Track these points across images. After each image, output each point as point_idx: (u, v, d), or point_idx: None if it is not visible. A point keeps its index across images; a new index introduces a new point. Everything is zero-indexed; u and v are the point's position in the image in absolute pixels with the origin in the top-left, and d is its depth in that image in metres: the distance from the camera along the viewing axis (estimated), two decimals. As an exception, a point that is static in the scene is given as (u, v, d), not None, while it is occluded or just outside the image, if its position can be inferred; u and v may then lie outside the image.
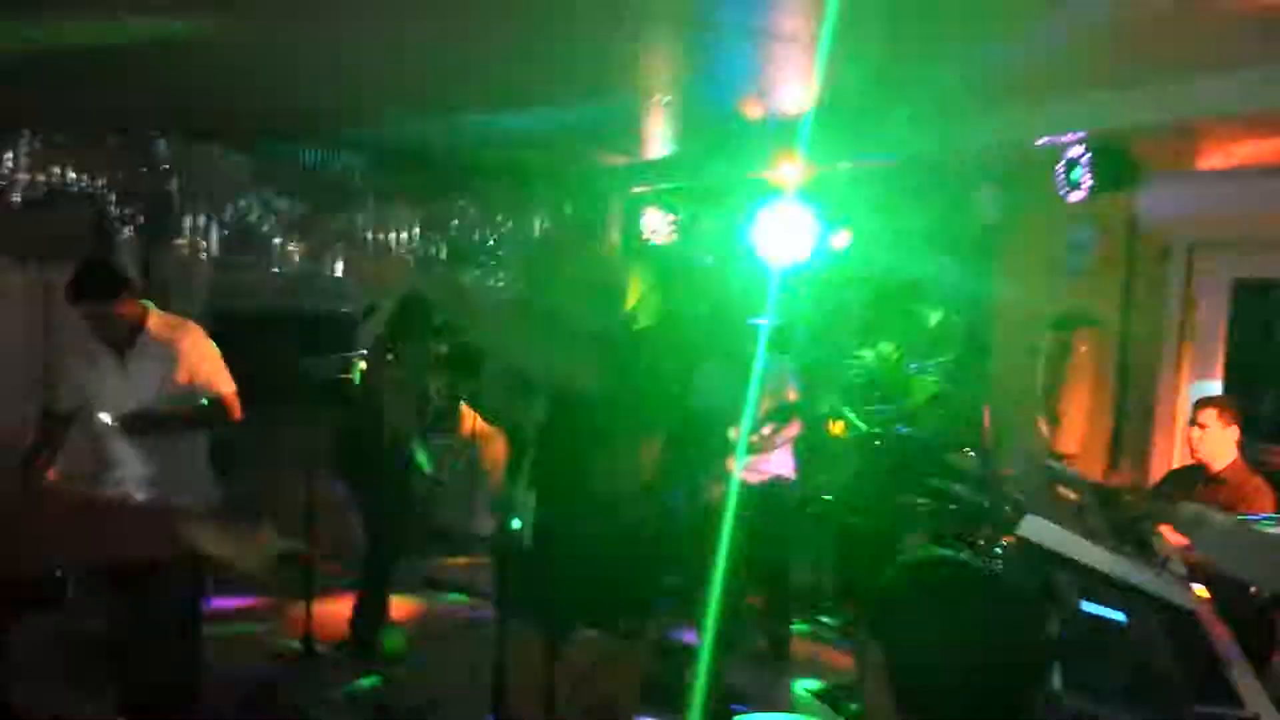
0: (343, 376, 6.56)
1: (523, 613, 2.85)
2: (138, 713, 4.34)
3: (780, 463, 5.67)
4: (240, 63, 4.80)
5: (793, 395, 5.70)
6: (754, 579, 5.92)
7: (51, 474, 4.32)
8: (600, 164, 7.31)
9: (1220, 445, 4.46)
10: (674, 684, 3.41)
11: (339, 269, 7.41)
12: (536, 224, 7.96)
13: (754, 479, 5.57)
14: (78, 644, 4.97)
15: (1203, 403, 4.60)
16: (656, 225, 8.13)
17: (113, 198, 6.76)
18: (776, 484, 5.63)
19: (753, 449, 5.54)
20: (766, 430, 5.52)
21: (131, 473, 4.22)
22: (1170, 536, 3.19)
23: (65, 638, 4.97)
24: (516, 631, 2.96)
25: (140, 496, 4.19)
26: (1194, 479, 4.52)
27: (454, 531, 6.87)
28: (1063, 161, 4.95)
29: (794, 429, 5.64)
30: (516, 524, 2.90)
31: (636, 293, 8.73)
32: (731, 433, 5.44)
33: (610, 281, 4.72)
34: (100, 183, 6.71)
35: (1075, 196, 4.97)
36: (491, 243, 7.85)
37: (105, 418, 4.10)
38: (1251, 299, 5.15)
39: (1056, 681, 2.58)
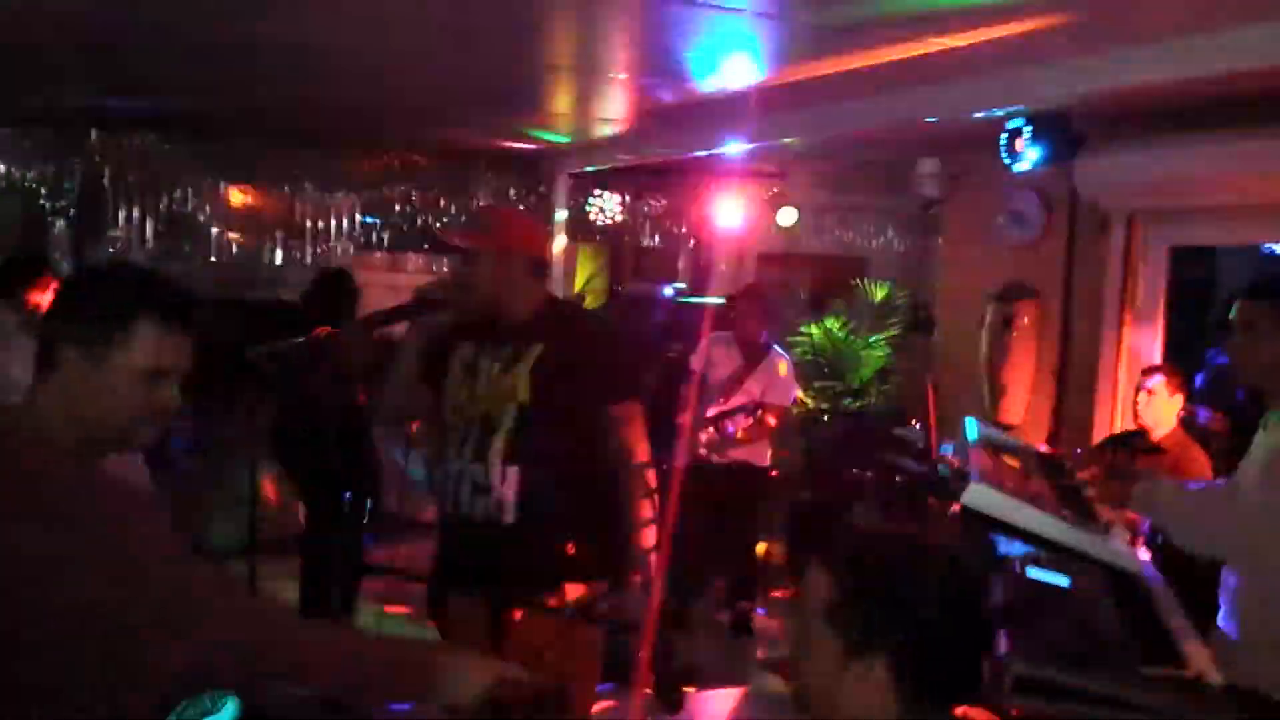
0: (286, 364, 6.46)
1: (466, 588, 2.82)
2: None
3: (750, 450, 5.64)
4: (174, 49, 4.70)
5: (782, 399, 5.66)
6: (717, 558, 5.95)
7: None
8: (546, 144, 7.25)
9: (1164, 412, 4.52)
10: (629, 661, 3.40)
11: (278, 257, 7.30)
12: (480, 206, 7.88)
13: (719, 460, 5.57)
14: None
15: (1152, 369, 4.66)
16: (604, 205, 8.09)
17: (44, 191, 6.61)
18: (744, 467, 5.62)
19: (725, 438, 5.54)
20: (751, 433, 5.52)
21: None
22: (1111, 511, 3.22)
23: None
24: (460, 610, 2.92)
25: None
26: (1133, 445, 4.57)
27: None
28: (1004, 134, 4.97)
29: (771, 423, 5.62)
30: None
31: (584, 274, 8.72)
32: (710, 411, 5.46)
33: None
34: (30, 175, 6.56)
35: (1019, 168, 4.99)
36: (437, 227, 7.76)
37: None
38: (1189, 266, 5.22)
39: (1002, 647, 2.59)
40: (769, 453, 5.83)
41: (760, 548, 6.33)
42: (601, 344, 3.03)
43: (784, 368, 5.71)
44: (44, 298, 4.08)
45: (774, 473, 5.96)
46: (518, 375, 2.86)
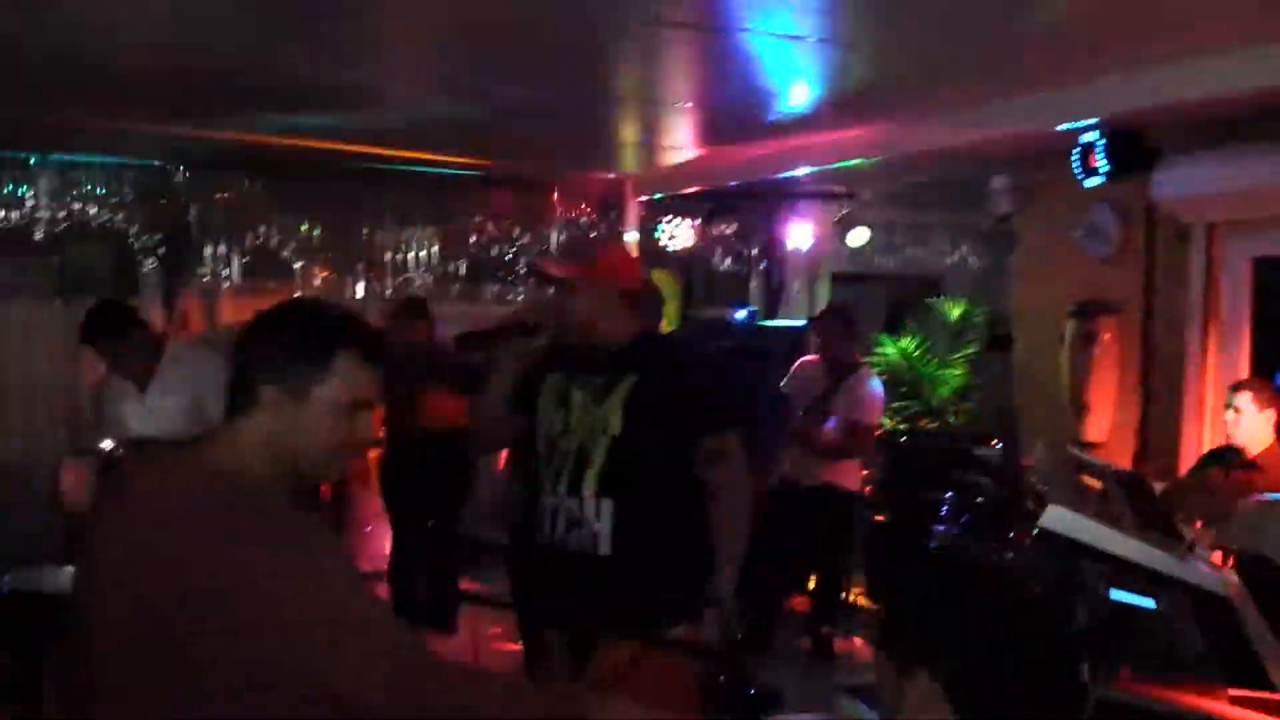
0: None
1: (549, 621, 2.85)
2: None
3: (839, 471, 5.61)
4: (254, 89, 4.86)
5: (871, 417, 5.64)
6: (799, 581, 5.91)
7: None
8: (618, 171, 7.32)
9: (1256, 428, 4.40)
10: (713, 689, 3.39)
11: (359, 290, 7.46)
12: (554, 236, 7.97)
13: (807, 481, 5.54)
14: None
15: (1238, 386, 4.54)
16: (675, 231, 8.12)
17: (132, 230, 6.84)
18: (831, 489, 5.58)
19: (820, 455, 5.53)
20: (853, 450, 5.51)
21: None
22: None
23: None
24: (553, 642, 2.96)
25: None
26: (1229, 461, 4.46)
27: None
28: (1078, 148, 4.92)
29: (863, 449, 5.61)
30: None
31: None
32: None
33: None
34: (120, 216, 6.79)
35: (1092, 182, 4.93)
36: (509, 258, 7.87)
37: (107, 445, 4.18)
38: (1274, 277, 5.09)
39: (1085, 671, 2.55)
40: (858, 474, 5.78)
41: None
42: (698, 375, 3.01)
43: (872, 385, 5.67)
44: (124, 343, 4.23)
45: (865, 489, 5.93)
46: (611, 407, 2.85)
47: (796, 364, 5.84)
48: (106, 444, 4.20)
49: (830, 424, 5.48)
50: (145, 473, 1.79)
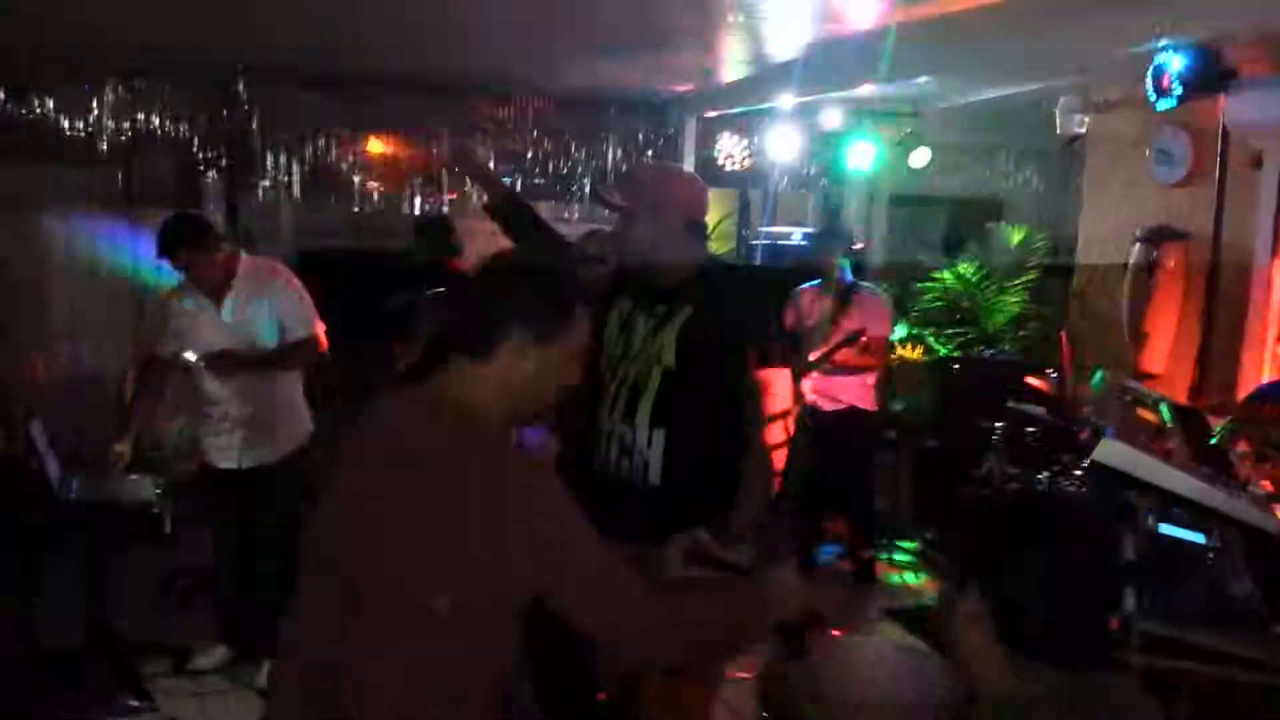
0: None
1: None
2: (235, 637, 4.56)
3: (859, 395, 5.63)
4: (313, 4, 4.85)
5: (882, 330, 5.62)
6: (834, 504, 5.97)
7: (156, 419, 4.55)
8: (675, 87, 7.22)
9: (1314, 361, 4.34)
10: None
11: (415, 206, 7.49)
12: (610, 153, 7.92)
13: (829, 406, 5.58)
14: (179, 572, 5.21)
15: None
16: (731, 150, 8.03)
17: (195, 141, 6.91)
18: (854, 412, 5.61)
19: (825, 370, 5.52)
20: (865, 360, 5.50)
21: (229, 411, 4.43)
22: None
23: (167, 567, 5.21)
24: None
25: (239, 434, 4.39)
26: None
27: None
28: (1151, 68, 4.77)
29: (875, 363, 5.60)
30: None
31: (714, 219, 8.69)
32: (811, 355, 5.43)
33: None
34: (183, 127, 6.86)
35: (1164, 104, 4.79)
36: (566, 173, 7.85)
37: (190, 357, 4.28)
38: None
39: (1131, 604, 2.56)
40: (876, 395, 5.79)
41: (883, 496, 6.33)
42: (749, 310, 3.02)
43: (876, 299, 5.67)
44: (203, 256, 4.29)
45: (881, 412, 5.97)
46: (666, 338, 2.88)
47: (798, 291, 5.78)
48: (190, 356, 4.30)
49: (837, 341, 5.46)
50: (395, 411, 1.91)
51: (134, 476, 4.33)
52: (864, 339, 5.34)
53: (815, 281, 5.75)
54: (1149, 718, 1.58)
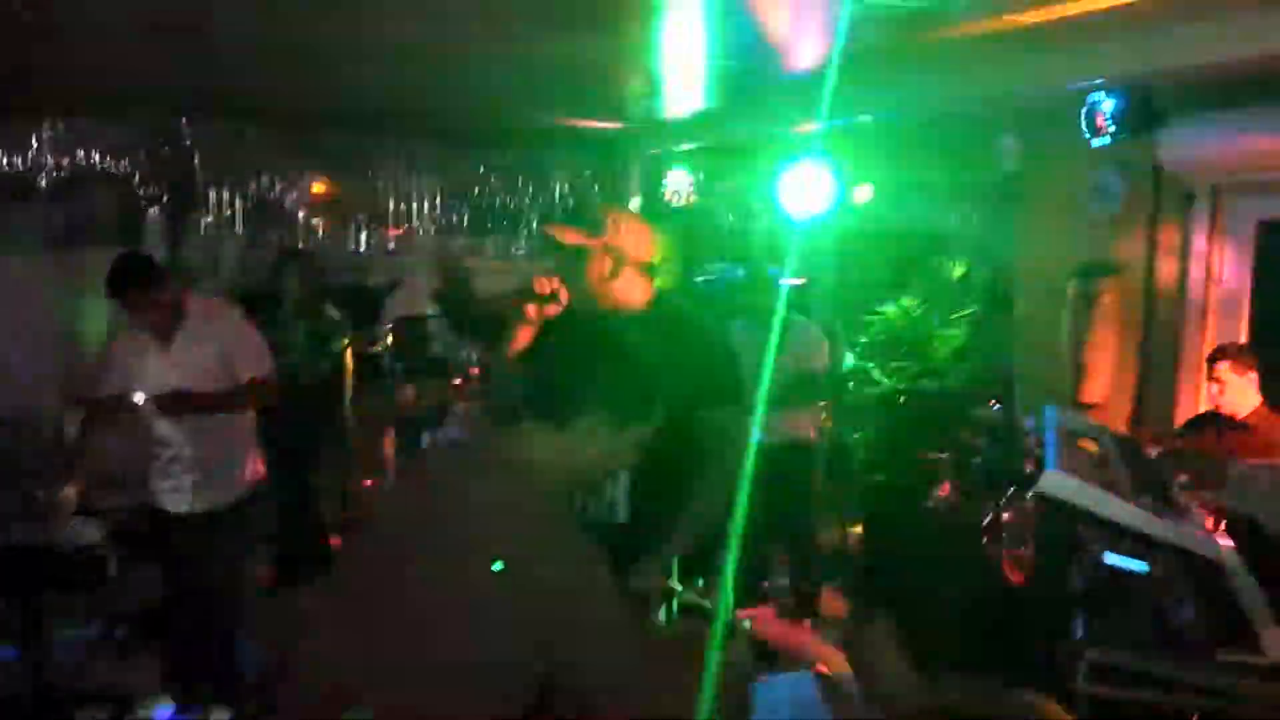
0: (371, 349, 6.64)
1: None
2: (181, 684, 4.47)
3: (801, 424, 5.68)
4: (258, 42, 4.83)
5: (819, 362, 5.68)
6: (778, 537, 5.98)
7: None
8: (621, 126, 7.28)
9: (1241, 394, 4.46)
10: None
11: (363, 242, 7.45)
12: (558, 189, 7.96)
13: (774, 438, 5.60)
14: (121, 618, 5.09)
15: (1215, 356, 4.58)
16: (678, 186, 8.10)
17: (138, 178, 6.83)
18: (797, 443, 5.65)
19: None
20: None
21: (179, 454, 4.34)
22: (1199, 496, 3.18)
23: (108, 612, 5.09)
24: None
25: (190, 478, 4.31)
26: (1216, 424, 4.50)
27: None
28: (1085, 107, 4.90)
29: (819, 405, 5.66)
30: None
31: (660, 256, 8.73)
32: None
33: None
34: (124, 164, 6.77)
35: (1098, 143, 4.91)
36: (514, 208, 7.86)
37: (139, 398, 4.20)
38: (1278, 240, 5.09)
39: (1079, 632, 2.60)
40: (816, 424, 5.83)
41: (839, 529, 6.35)
42: (700, 348, 3.02)
43: (811, 333, 5.72)
44: (156, 295, 4.23)
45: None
46: None
47: (736, 327, 5.85)
48: (138, 397, 4.22)
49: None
50: (460, 463, 2.00)
51: (78, 520, 4.24)
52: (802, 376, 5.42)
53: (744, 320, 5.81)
54: None
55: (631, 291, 2.97)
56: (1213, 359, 4.56)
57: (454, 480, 1.90)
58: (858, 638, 1.64)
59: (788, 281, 5.95)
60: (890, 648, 1.59)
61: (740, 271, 7.75)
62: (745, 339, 5.71)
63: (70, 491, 4.27)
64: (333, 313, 5.98)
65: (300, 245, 6.51)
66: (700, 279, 7.93)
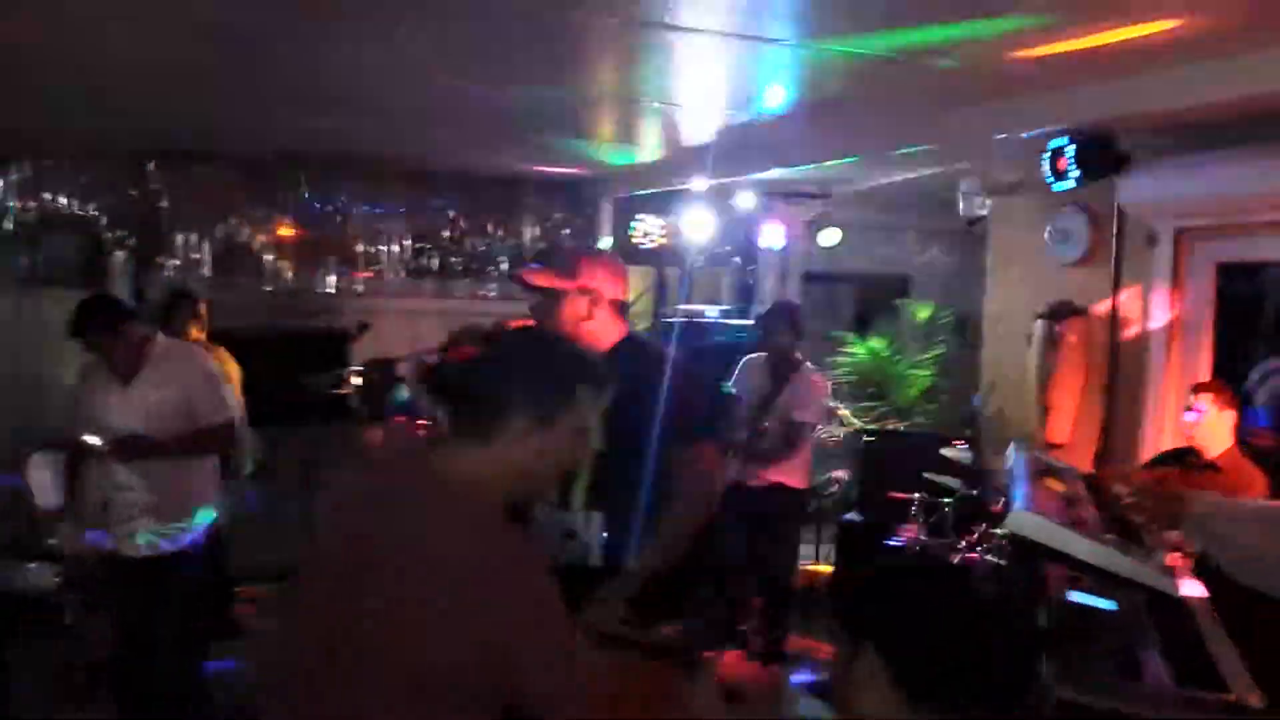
0: (337, 392, 6.59)
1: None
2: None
3: (787, 472, 5.66)
4: (225, 86, 4.84)
5: (813, 415, 5.69)
6: (754, 580, 5.96)
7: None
8: (592, 169, 7.33)
9: (1216, 430, 4.45)
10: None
11: (330, 284, 7.43)
12: (527, 232, 7.98)
13: (754, 483, 5.60)
14: (78, 666, 4.99)
15: (1199, 388, 4.60)
16: (648, 229, 8.14)
17: (104, 222, 6.79)
18: (778, 489, 5.64)
19: (759, 457, 5.56)
20: (783, 454, 5.56)
21: (137, 498, 4.26)
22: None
23: (65, 659, 4.99)
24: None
25: (143, 521, 4.24)
26: (1186, 462, 4.52)
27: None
28: (1047, 153, 4.97)
29: (805, 446, 5.66)
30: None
31: (631, 296, 8.77)
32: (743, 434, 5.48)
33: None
34: (91, 207, 6.74)
35: (1061, 186, 4.99)
36: (483, 252, 7.87)
37: (94, 441, 4.13)
38: (1238, 282, 5.17)
39: (1046, 671, 2.59)
40: (805, 472, 5.83)
41: (809, 569, 6.34)
42: (672, 386, 2.99)
43: (814, 383, 5.72)
44: (119, 338, 4.19)
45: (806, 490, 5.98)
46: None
47: (742, 362, 5.87)
48: (94, 440, 4.15)
49: (769, 425, 5.54)
50: (389, 487, 1.90)
51: (33, 565, 4.16)
52: (792, 431, 5.44)
53: (759, 355, 5.82)
54: None
55: (606, 332, 2.98)
56: (1196, 389, 4.58)
57: (378, 510, 1.85)
58: (845, 671, 1.63)
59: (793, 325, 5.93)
60: (881, 680, 1.59)
61: (713, 313, 7.79)
62: (746, 375, 5.80)
63: (69, 529, 4.19)
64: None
65: (189, 289, 6.32)
66: (672, 320, 7.96)
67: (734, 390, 5.76)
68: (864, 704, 1.59)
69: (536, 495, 1.93)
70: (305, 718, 1.82)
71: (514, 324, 3.03)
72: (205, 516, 4.39)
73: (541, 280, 3.02)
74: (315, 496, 2.11)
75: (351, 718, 1.75)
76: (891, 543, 5.28)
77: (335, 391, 6.53)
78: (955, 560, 4.36)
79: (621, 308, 3.08)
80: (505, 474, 1.84)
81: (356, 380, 6.63)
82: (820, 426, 6.03)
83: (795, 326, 5.82)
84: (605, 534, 2.86)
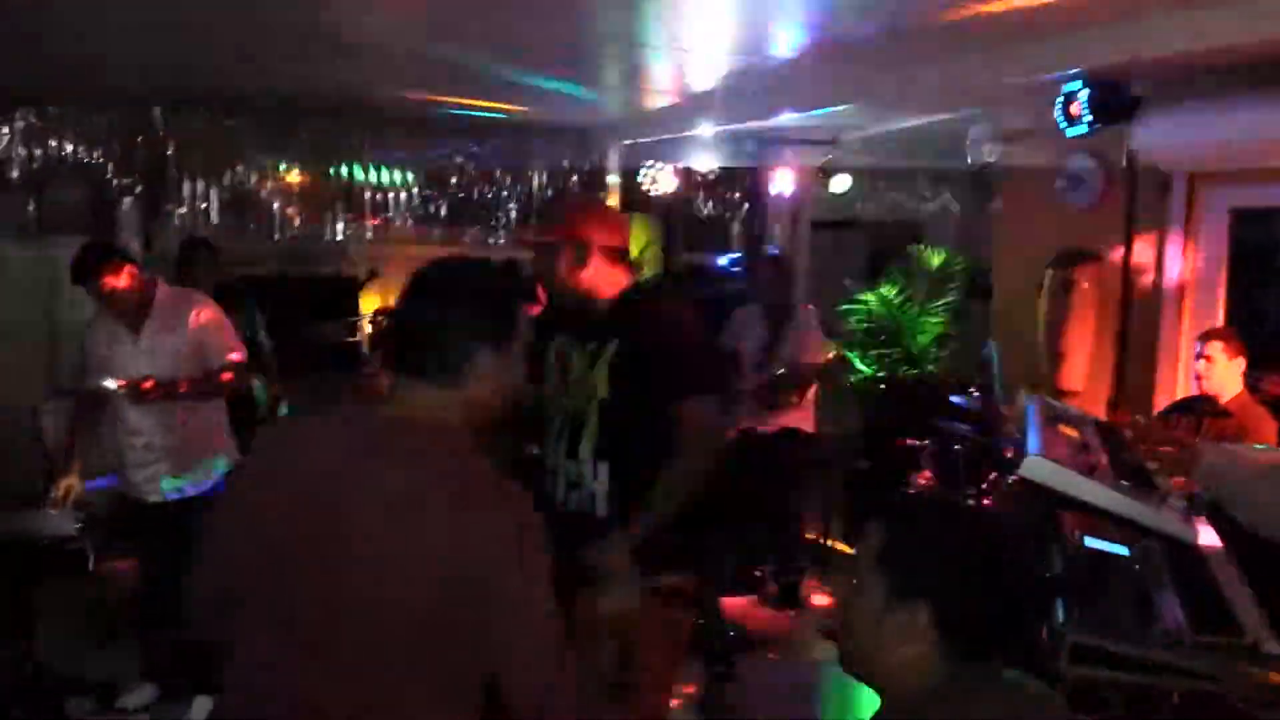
0: (347, 340, 6.62)
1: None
2: (161, 673, 4.44)
3: (798, 417, 5.71)
4: (231, 32, 4.79)
5: (815, 357, 5.73)
6: (764, 525, 6.01)
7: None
8: (600, 116, 7.26)
9: (1227, 377, 4.49)
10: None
11: (339, 232, 7.41)
12: (536, 179, 7.94)
13: (765, 428, 5.63)
14: (101, 607, 5.06)
15: (1208, 335, 4.61)
16: (656, 176, 8.09)
17: (110, 169, 6.76)
18: (788, 434, 5.68)
19: (772, 405, 5.60)
20: (794, 398, 5.61)
21: (151, 441, 4.33)
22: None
23: (88, 601, 5.06)
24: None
25: (164, 466, 4.30)
26: (1198, 410, 4.54)
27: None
28: (1060, 97, 4.92)
29: (812, 390, 5.71)
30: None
31: (639, 244, 8.74)
32: (747, 384, 5.51)
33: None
34: (97, 154, 6.71)
35: (1074, 132, 4.94)
36: (492, 199, 7.84)
37: (110, 384, 4.19)
38: (1252, 228, 5.14)
39: (1060, 616, 2.61)
40: (813, 416, 5.86)
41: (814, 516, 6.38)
42: (677, 337, 3.00)
43: (811, 325, 5.77)
44: (118, 282, 4.20)
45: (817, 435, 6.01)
46: (599, 371, 2.90)
47: (735, 312, 5.90)
48: (110, 383, 4.20)
49: (779, 372, 5.57)
50: (349, 433, 1.86)
51: (54, 511, 4.21)
52: (801, 376, 5.47)
53: (753, 305, 5.84)
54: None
55: (604, 280, 2.96)
56: (1205, 336, 4.59)
57: (357, 454, 1.80)
58: (889, 619, 1.64)
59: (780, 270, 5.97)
60: (924, 636, 1.60)
61: (722, 261, 7.77)
62: (741, 324, 5.82)
63: (70, 483, 4.24)
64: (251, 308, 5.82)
65: (208, 236, 6.30)
66: (680, 267, 7.95)
67: (727, 339, 5.80)
68: (896, 654, 1.60)
69: (493, 422, 1.89)
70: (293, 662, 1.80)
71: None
72: (220, 464, 4.44)
73: (540, 235, 3.04)
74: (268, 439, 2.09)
75: (330, 698, 1.74)
76: (904, 491, 5.30)
77: (346, 339, 6.56)
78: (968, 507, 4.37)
79: (620, 255, 3.05)
80: (470, 407, 1.83)
81: (367, 328, 6.66)
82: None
83: (784, 275, 5.89)
84: (611, 484, 2.88)
